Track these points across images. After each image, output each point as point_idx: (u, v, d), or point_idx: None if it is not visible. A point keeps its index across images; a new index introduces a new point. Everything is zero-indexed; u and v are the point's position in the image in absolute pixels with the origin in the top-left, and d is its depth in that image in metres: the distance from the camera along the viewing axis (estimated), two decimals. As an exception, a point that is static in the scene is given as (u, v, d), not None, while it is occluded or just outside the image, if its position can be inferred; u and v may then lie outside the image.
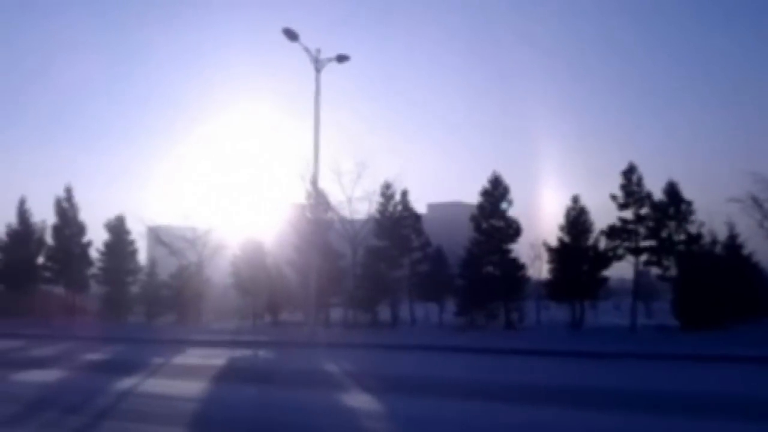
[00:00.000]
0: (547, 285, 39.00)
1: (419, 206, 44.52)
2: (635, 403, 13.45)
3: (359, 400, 14.10)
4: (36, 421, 12.04)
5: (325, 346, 28.39)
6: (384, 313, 41.47)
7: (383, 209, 41.79)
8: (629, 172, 36.88)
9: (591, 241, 37.32)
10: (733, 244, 39.72)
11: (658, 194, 36.52)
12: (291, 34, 31.09)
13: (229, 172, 77.81)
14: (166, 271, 48.48)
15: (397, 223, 41.43)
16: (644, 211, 36.62)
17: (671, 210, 36.16)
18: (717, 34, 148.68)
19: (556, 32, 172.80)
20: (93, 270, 50.20)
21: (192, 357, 24.76)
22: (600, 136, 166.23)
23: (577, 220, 37.50)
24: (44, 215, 51.97)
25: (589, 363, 21.74)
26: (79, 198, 51.10)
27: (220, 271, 46.21)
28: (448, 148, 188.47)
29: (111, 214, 50.77)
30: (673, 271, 36.31)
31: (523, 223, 38.98)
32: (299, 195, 42.29)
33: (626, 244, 36.82)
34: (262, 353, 26.85)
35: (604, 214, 37.92)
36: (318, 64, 32.09)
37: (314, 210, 37.80)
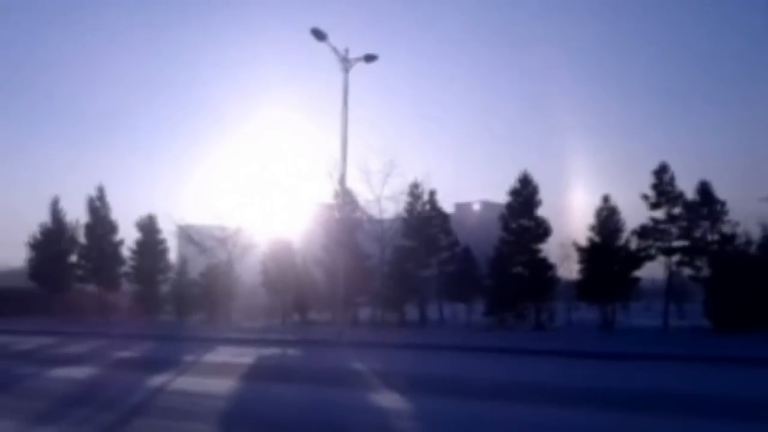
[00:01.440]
0: (577, 285, 38.57)
1: (447, 206, 44.44)
2: (669, 405, 13.25)
3: (389, 400, 14.07)
4: (69, 418, 12.21)
5: (353, 345, 28.41)
6: (412, 313, 41.40)
7: (411, 209, 41.71)
8: (661, 171, 36.37)
9: (622, 241, 36.87)
10: (767, 245, 38.90)
11: (690, 194, 36.01)
12: (319, 34, 31.16)
13: (258, 171, 78.06)
14: (196, 270, 48.93)
15: (425, 222, 41.32)
16: (676, 210, 36.08)
17: (704, 210, 35.59)
18: (751, 31, 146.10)
19: (585, 29, 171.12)
20: (124, 268, 50.80)
21: (222, 355, 24.94)
22: (631, 134, 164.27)
23: (607, 220, 37.07)
24: (77, 214, 52.72)
25: (621, 365, 21.45)
26: (111, 197, 51.78)
27: (249, 270, 46.50)
28: (477, 147, 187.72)
29: (142, 213, 51.42)
30: (705, 272, 35.70)
31: (553, 222, 38.69)
32: (327, 194, 42.41)
33: (658, 244, 36.31)
34: (290, 352, 26.96)
35: (635, 213, 37.49)
36: (346, 64, 32.12)
37: (342, 209, 37.85)
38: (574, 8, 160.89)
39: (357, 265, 38.43)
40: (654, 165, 36.58)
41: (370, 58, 32.49)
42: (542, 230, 38.04)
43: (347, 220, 37.95)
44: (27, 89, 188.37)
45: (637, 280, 37.53)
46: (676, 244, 36.08)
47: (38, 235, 52.08)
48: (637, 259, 36.52)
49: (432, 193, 41.61)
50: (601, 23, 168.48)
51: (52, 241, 51.44)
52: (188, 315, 48.11)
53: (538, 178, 38.45)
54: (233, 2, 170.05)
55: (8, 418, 11.95)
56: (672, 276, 37.80)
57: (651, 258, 36.51)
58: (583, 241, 37.77)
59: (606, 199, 37.40)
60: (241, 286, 47.68)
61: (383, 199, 41.24)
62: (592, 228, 37.33)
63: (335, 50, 31.82)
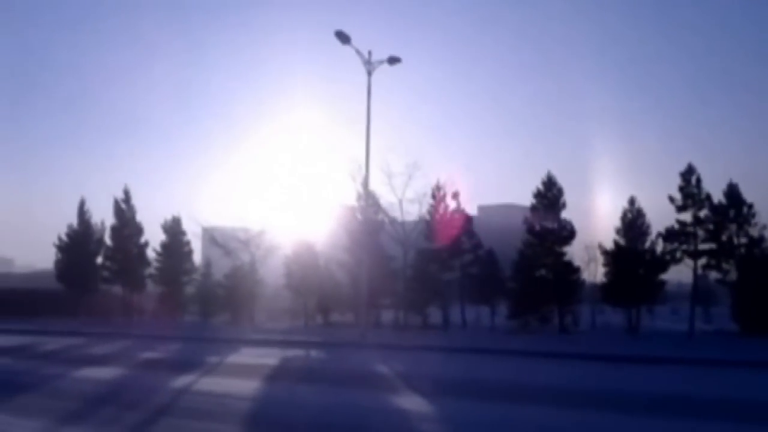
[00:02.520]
0: (602, 288, 38.20)
1: (470, 208, 44.23)
2: (695, 409, 13.09)
3: (413, 402, 14.04)
4: (95, 417, 12.35)
5: (376, 347, 28.39)
6: (435, 315, 41.28)
7: (434, 211, 41.61)
8: (688, 173, 35.88)
9: (648, 244, 36.43)
10: (795, 248, 38.25)
11: (718, 196, 35.43)
12: (343, 37, 31.26)
13: (282, 173, 78.54)
14: (220, 272, 49.28)
15: (448, 225, 41.16)
16: (703, 213, 35.56)
17: (731, 212, 35.04)
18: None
19: (611, 31, 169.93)
20: (150, 270, 51.28)
21: (246, 356, 25.09)
22: (658, 136, 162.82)
23: (633, 223, 36.67)
24: (103, 216, 53.38)
25: (647, 369, 21.19)
26: (136, 199, 52.32)
27: (272, 271, 46.70)
28: (500, 150, 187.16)
29: (167, 215, 51.87)
30: (732, 275, 35.16)
31: (578, 225, 38.34)
32: (350, 197, 42.45)
33: (684, 247, 35.79)
34: (314, 353, 27.04)
35: (661, 216, 37.00)
36: (369, 67, 32.17)
37: (365, 211, 37.85)
38: (601, 10, 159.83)
39: (380, 267, 38.38)
40: (681, 167, 36.13)
41: (393, 60, 32.53)
42: (567, 233, 37.73)
43: (370, 222, 37.91)
44: (54, 93, 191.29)
45: (663, 283, 37.08)
46: (703, 247, 35.55)
47: (65, 237, 52.75)
48: (663, 262, 36.07)
49: (455, 195, 41.43)
50: (627, 25, 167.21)
51: (78, 243, 52.06)
52: (212, 316, 48.45)
53: (562, 180, 38.19)
54: (257, 6, 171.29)
55: (37, 418, 12.11)
56: (698, 279, 37.28)
57: (677, 261, 36.02)
58: (608, 244, 37.43)
59: (632, 201, 37.01)
60: (265, 288, 47.95)
61: (406, 201, 41.18)
62: (618, 230, 36.95)
63: (359, 53, 31.93)
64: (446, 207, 41.33)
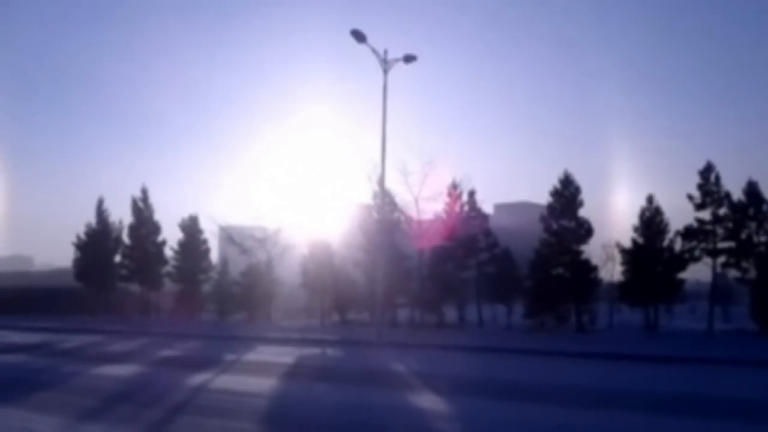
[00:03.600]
0: (620, 287, 37.93)
1: (486, 206, 44.10)
2: (714, 409, 12.95)
3: (429, 401, 14.01)
4: (113, 415, 12.43)
5: (392, 346, 28.38)
6: (451, 314, 41.20)
7: (450, 209, 41.50)
8: (707, 171, 35.55)
9: (666, 243, 36.16)
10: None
11: (737, 194, 35.11)
12: (359, 36, 31.24)
13: (298, 172, 78.87)
14: (237, 270, 49.51)
15: (464, 223, 41.07)
16: (722, 211, 35.23)
17: (751, 210, 34.69)
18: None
19: (629, 28, 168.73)
20: (167, 268, 51.60)
21: (262, 354, 25.16)
22: (675, 134, 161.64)
23: (651, 221, 36.39)
24: (121, 215, 53.75)
25: (666, 368, 21.00)
26: (154, 198, 52.70)
27: (289, 270, 46.86)
28: (516, 148, 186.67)
29: (184, 213, 52.18)
30: (752, 274, 34.83)
31: (595, 223, 38.08)
32: (366, 195, 42.46)
33: (703, 245, 35.49)
34: (330, 352, 27.06)
35: (680, 214, 36.73)
36: (385, 65, 32.14)
37: (381, 210, 37.85)
38: (618, 7, 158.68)
39: (395, 266, 38.39)
40: (699, 164, 35.83)
41: (409, 58, 32.47)
42: (584, 231, 37.48)
43: (386, 220, 37.90)
44: (74, 94, 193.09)
45: (682, 282, 36.80)
46: (722, 245, 35.24)
47: (84, 236, 53.19)
48: (682, 260, 35.78)
49: (471, 194, 41.32)
50: (645, 22, 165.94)
51: (97, 242, 52.49)
52: (229, 314, 48.67)
53: (579, 178, 37.95)
54: (272, 6, 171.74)
55: (56, 415, 12.21)
56: (717, 278, 36.96)
57: (696, 259, 35.73)
58: (626, 242, 37.18)
59: (650, 199, 36.73)
60: (281, 286, 48.09)
61: (422, 200, 41.13)
62: (636, 229, 36.70)
63: (375, 51, 31.88)
64: (462, 205, 41.25)
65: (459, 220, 40.83)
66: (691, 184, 35.71)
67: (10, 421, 11.64)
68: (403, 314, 42.93)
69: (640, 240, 36.49)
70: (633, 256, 36.44)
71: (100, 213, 53.49)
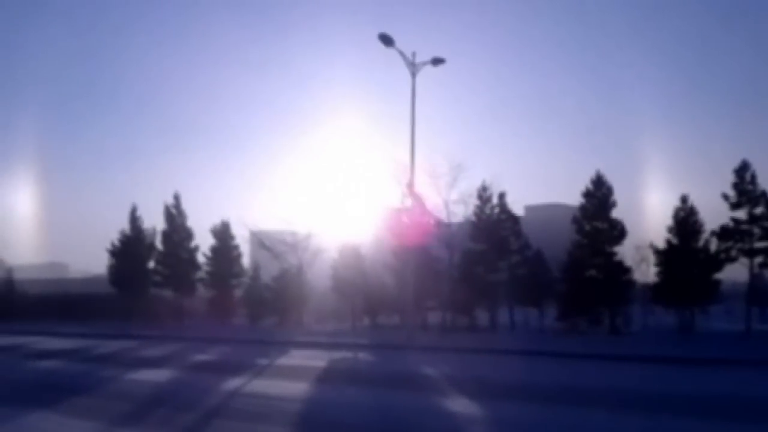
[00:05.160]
0: (654, 289, 37.35)
1: (517, 208, 43.76)
2: (754, 412, 12.64)
3: (463, 405, 13.87)
4: (149, 419, 12.53)
5: (424, 349, 28.26)
6: (482, 317, 40.92)
7: (480, 212, 41.24)
8: (742, 170, 34.87)
9: (701, 243, 35.53)
10: None
11: (773, 192, 34.39)
12: (387, 40, 31.20)
13: (328, 177, 79.22)
14: (268, 275, 49.80)
15: (494, 225, 40.80)
16: (758, 210, 34.52)
17: (788, 209, 33.99)
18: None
19: (660, 25, 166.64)
20: (200, 274, 52.08)
21: (295, 358, 25.23)
22: (709, 132, 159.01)
23: (686, 221, 35.79)
24: (154, 222, 54.37)
25: (708, 370, 20.57)
26: (186, 205, 53.20)
27: (320, 274, 46.94)
28: (547, 149, 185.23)
29: (216, 219, 52.59)
30: (790, 274, 34.14)
31: (628, 224, 37.54)
32: (396, 199, 42.36)
33: (739, 245, 34.81)
34: (361, 355, 27.04)
35: (715, 214, 36.05)
36: (413, 68, 32.06)
37: (411, 213, 37.73)
38: (649, 4, 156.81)
39: (426, 269, 38.24)
40: (734, 163, 35.16)
41: (437, 61, 32.36)
42: (617, 232, 37.00)
43: (417, 224, 37.76)
44: (107, 101, 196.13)
45: (718, 282, 36.09)
46: (759, 245, 34.54)
47: (118, 243, 53.91)
48: (718, 261, 35.14)
49: (501, 196, 41.04)
50: (677, 18, 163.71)
51: (131, 248, 53.17)
52: (261, 319, 48.94)
53: (612, 178, 37.47)
54: (301, 11, 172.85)
55: (93, 419, 12.34)
56: (754, 278, 36.23)
57: (732, 260, 35.06)
58: (660, 243, 36.61)
59: (684, 199, 36.13)
60: (312, 291, 48.21)
61: (451, 203, 40.94)
62: (670, 229, 36.13)
63: (403, 55, 31.82)
64: (492, 207, 41.00)
65: (489, 222, 40.60)
66: (727, 183, 35.12)
67: (47, 425, 11.80)
68: (433, 317, 42.76)
69: (675, 241, 35.91)
70: (667, 257, 35.86)
71: (134, 220, 54.18)
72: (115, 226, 54.81)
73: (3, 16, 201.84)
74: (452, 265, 41.28)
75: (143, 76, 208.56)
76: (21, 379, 19.61)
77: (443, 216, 41.55)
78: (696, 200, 36.16)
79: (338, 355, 26.75)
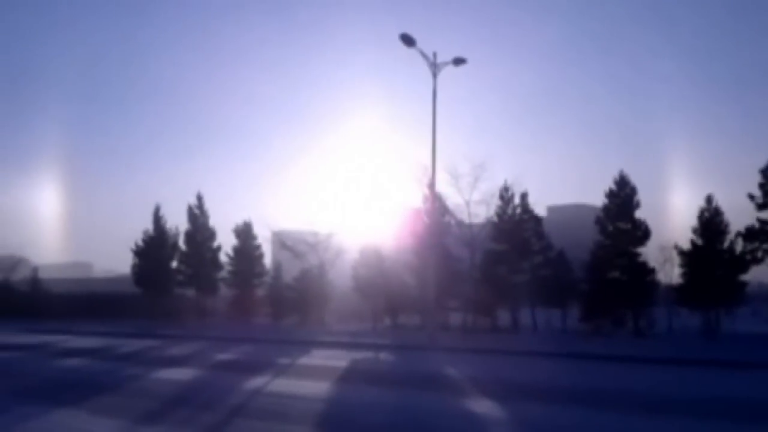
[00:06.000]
0: (679, 290, 36.88)
1: (539, 209, 43.49)
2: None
3: (484, 406, 13.80)
4: (172, 418, 12.62)
5: (445, 350, 28.18)
6: (504, 318, 40.71)
7: (502, 212, 41.02)
8: (768, 170, 34.40)
9: (726, 244, 35.04)
10: None
11: (801, 193, 33.82)
12: (408, 40, 31.13)
13: (349, 177, 79.40)
14: (289, 275, 50.01)
15: (516, 226, 40.55)
16: (786, 210, 34.00)
17: (816, 209, 33.42)
18: None
19: (682, 24, 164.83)
20: (222, 273, 52.44)
21: (316, 358, 25.29)
22: (735, 132, 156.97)
23: (711, 222, 35.32)
24: (177, 222, 54.81)
25: (731, 373, 20.30)
26: (209, 205, 53.63)
27: (341, 274, 47.04)
28: (570, 149, 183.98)
29: (238, 219, 52.95)
30: (818, 275, 33.57)
31: (652, 225, 37.12)
32: (417, 199, 42.32)
33: (765, 246, 34.26)
34: (382, 356, 27.03)
35: (740, 214, 35.54)
36: (435, 69, 31.97)
37: (432, 214, 37.67)
38: (673, 5, 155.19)
39: (447, 269, 38.12)
40: (760, 163, 34.64)
41: (458, 61, 32.24)
42: (641, 233, 36.60)
43: (437, 224, 37.68)
44: (130, 104, 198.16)
45: (744, 284, 35.58)
46: (786, 246, 34.00)
47: (141, 243, 54.44)
48: (743, 262, 34.64)
49: (524, 196, 40.77)
50: (700, 18, 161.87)
51: (154, 248, 53.67)
52: (283, 318, 49.14)
53: (635, 178, 37.05)
54: (322, 13, 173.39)
55: (116, 417, 12.48)
56: (781, 280, 35.69)
57: (758, 261, 34.53)
58: (684, 244, 36.14)
59: (709, 199, 35.65)
60: (333, 290, 48.31)
61: (473, 203, 40.79)
62: (695, 230, 35.66)
63: (424, 55, 31.75)
64: (514, 208, 40.79)
65: (511, 222, 40.41)
66: (753, 183, 34.62)
67: (72, 423, 11.94)
68: (455, 318, 42.61)
69: (699, 241, 35.45)
70: (692, 258, 35.42)
71: (157, 220, 54.67)
72: (139, 226, 55.43)
73: (26, 17, 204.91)
74: (474, 265, 41.12)
75: (166, 78, 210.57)
76: (47, 377, 19.85)
77: (464, 216, 41.49)
78: (721, 200, 35.70)
79: (360, 355, 26.77)
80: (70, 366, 23.33)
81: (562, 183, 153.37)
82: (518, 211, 40.96)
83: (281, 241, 50.07)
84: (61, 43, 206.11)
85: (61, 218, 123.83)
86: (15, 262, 72.33)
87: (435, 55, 31.91)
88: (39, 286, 67.21)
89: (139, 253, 54.35)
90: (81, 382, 18.52)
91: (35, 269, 70.34)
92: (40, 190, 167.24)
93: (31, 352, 29.13)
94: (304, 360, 24.44)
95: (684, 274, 36.11)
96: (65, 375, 20.58)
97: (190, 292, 54.09)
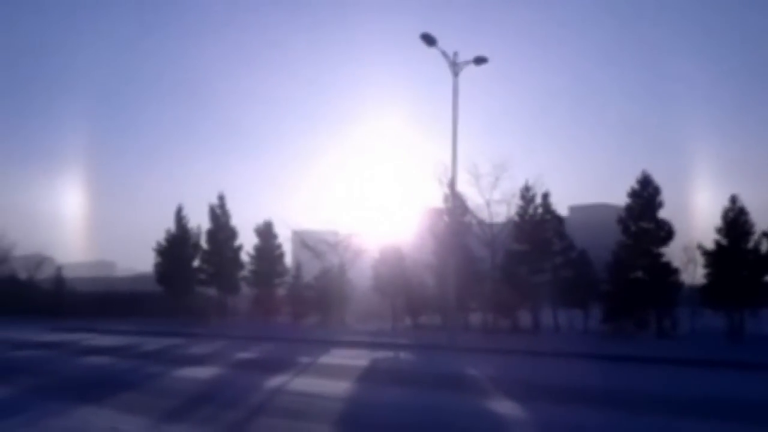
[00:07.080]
0: (702, 291, 36.40)
1: (561, 208, 43.15)
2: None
3: (505, 407, 13.74)
4: (195, 415, 12.71)
5: (465, 350, 28.10)
6: (524, 318, 40.46)
7: (523, 212, 40.73)
8: (795, 169, 33.91)
9: (752, 244, 34.54)
10: None
11: (829, 192, 33.34)
12: (429, 40, 31.06)
13: (369, 177, 79.47)
14: (310, 274, 50.11)
15: (537, 226, 40.27)
16: (813, 210, 33.48)
17: None
18: None
19: (707, 21, 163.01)
20: (243, 273, 52.67)
21: (336, 357, 25.34)
22: (759, 132, 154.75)
23: (735, 221, 34.82)
24: (199, 221, 55.08)
25: (758, 375, 20.00)
26: (231, 205, 53.84)
27: (361, 274, 47.07)
28: (592, 148, 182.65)
29: (259, 219, 53.17)
30: None
31: (676, 224, 36.64)
32: (437, 199, 42.24)
33: (791, 246, 33.78)
34: (403, 355, 27.02)
35: (766, 214, 35.05)
36: (455, 68, 31.87)
37: (452, 213, 37.55)
38: (696, 6, 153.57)
39: (467, 269, 37.98)
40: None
41: (479, 60, 32.09)
42: (664, 233, 36.18)
43: (457, 224, 37.56)
44: (153, 105, 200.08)
45: (769, 285, 35.06)
46: (813, 246, 33.43)
47: (164, 242, 54.84)
48: (769, 262, 34.13)
49: (545, 196, 40.45)
50: (724, 15, 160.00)
51: (176, 248, 53.99)
52: (303, 317, 49.28)
53: (658, 178, 36.57)
54: (342, 11, 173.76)
55: (140, 414, 12.59)
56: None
57: (784, 261, 34.00)
58: (708, 244, 35.68)
59: (734, 199, 35.15)
60: (353, 290, 48.35)
61: (494, 203, 40.61)
62: (719, 230, 35.16)
63: (445, 54, 31.66)
64: (535, 208, 40.54)
65: (532, 222, 40.18)
66: (779, 182, 34.13)
67: (96, 421, 12.06)
68: (475, 318, 42.45)
69: (724, 242, 34.96)
70: (716, 259, 34.94)
71: (180, 219, 55.02)
72: (162, 226, 55.79)
73: (50, 18, 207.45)
74: (494, 265, 40.94)
75: (189, 78, 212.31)
76: (71, 375, 20.09)
77: (485, 216, 41.31)
78: (746, 200, 35.16)
79: (380, 354, 26.78)
80: (93, 364, 23.58)
81: (584, 183, 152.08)
82: (540, 210, 40.64)
83: (302, 240, 50.21)
84: (84, 43, 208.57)
85: (84, 218, 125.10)
86: (39, 262, 73.37)
87: (455, 54, 31.84)
88: (63, 285, 68.08)
89: (161, 252, 54.76)
90: (105, 379, 18.72)
91: (59, 268, 71.25)
92: (64, 189, 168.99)
93: (56, 350, 29.50)
94: (325, 359, 24.50)
95: (708, 275, 35.62)
96: (89, 373, 20.81)
97: (212, 291, 54.40)
